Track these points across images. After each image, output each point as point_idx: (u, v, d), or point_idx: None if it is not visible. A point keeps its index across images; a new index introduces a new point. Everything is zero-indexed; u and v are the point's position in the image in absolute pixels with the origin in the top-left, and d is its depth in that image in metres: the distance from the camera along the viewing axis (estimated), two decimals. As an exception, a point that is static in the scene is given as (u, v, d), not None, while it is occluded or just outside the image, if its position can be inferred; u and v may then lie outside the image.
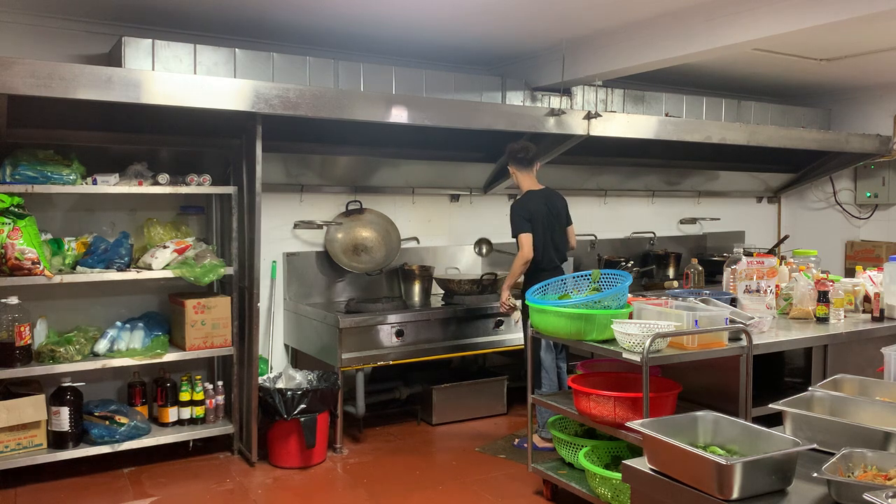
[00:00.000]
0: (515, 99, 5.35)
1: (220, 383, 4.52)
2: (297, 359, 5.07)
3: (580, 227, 5.88)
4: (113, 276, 4.04)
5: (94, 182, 4.01)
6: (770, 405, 2.23)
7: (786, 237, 6.92)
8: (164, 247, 4.21)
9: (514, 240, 4.42)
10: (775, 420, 2.21)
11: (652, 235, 6.61)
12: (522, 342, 4.65)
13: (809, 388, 2.36)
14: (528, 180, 4.52)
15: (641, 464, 2.02)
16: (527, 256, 4.33)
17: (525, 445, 4.27)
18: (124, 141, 4.36)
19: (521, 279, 4.51)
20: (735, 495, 1.76)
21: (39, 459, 3.87)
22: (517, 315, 4.55)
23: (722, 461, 1.76)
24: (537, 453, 3.97)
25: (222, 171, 4.52)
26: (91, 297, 4.40)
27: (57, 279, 3.87)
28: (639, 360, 3.04)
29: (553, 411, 3.80)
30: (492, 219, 5.82)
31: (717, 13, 4.16)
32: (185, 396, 4.40)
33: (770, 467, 1.81)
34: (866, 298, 4.07)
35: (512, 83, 5.36)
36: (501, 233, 5.73)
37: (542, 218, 4.41)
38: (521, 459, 4.13)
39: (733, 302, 3.89)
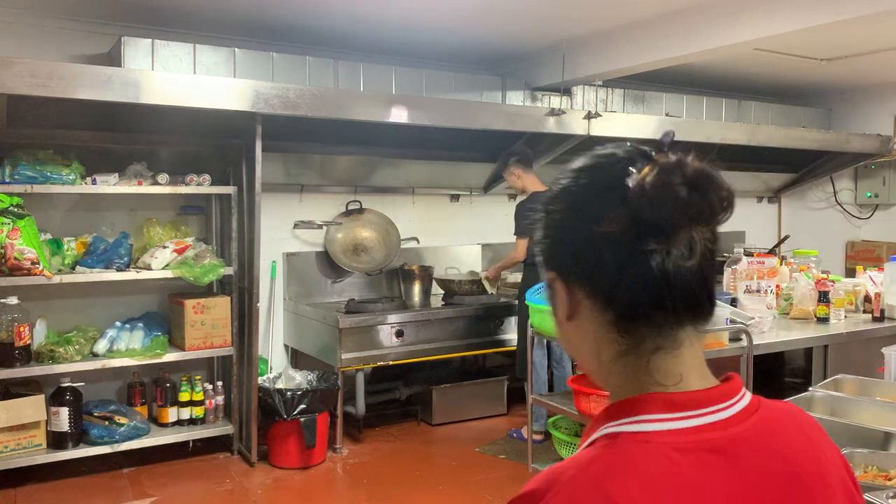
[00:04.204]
0: (515, 99, 5.35)
1: (219, 383, 4.51)
2: (297, 359, 5.07)
3: (580, 227, 5.88)
4: (112, 276, 4.03)
5: (94, 182, 4.01)
6: (770, 405, 2.22)
7: (786, 237, 6.91)
8: (164, 247, 4.21)
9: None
10: (775, 420, 2.20)
11: (652, 235, 6.59)
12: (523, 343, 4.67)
13: (810, 388, 2.36)
14: (533, 181, 4.67)
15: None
16: (519, 259, 4.62)
17: (514, 436, 4.71)
18: (124, 141, 4.35)
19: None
20: (735, 495, 1.75)
21: (39, 459, 3.87)
22: (490, 287, 4.99)
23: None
24: (537, 453, 3.97)
25: (222, 171, 4.52)
26: (91, 297, 4.39)
27: (56, 279, 3.87)
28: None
29: (552, 411, 3.80)
30: (492, 219, 5.81)
31: (717, 13, 4.16)
32: (184, 397, 4.39)
33: (770, 467, 1.80)
34: (867, 298, 4.07)
35: (512, 83, 5.35)
36: (502, 233, 5.73)
37: None
38: (521, 459, 4.13)
39: (734, 302, 3.88)
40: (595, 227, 0.81)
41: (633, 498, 0.73)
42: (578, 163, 0.87)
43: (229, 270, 4.35)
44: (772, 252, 5.96)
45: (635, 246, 0.79)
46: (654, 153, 0.84)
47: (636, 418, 0.80)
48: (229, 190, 4.35)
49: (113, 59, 4.16)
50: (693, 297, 0.81)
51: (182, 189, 4.22)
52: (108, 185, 4.04)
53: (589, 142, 4.99)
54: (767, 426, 0.84)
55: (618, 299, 0.82)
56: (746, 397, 0.85)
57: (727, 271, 4.16)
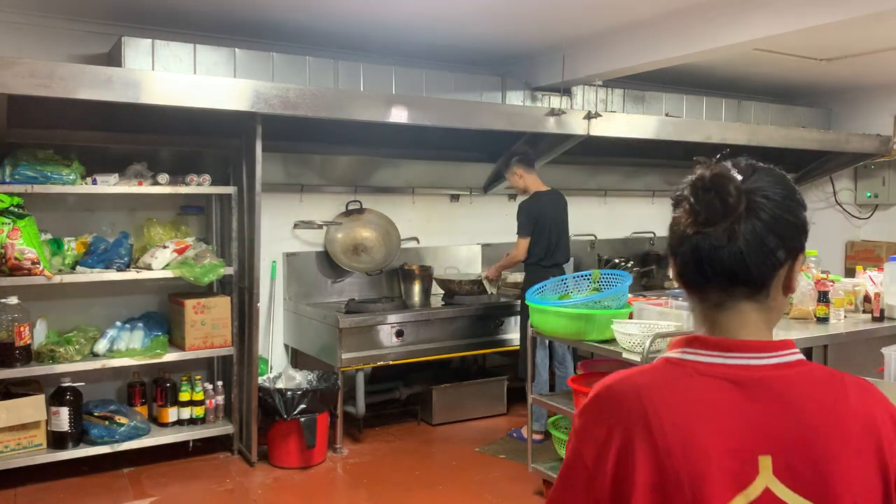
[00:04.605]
0: (515, 99, 5.35)
1: (219, 383, 4.51)
2: (297, 359, 5.07)
3: (580, 227, 5.90)
4: (113, 276, 4.04)
5: (94, 182, 4.01)
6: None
7: (786, 237, 6.90)
8: (164, 247, 4.21)
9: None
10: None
11: (652, 235, 6.60)
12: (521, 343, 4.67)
13: (809, 388, 2.36)
14: (535, 181, 4.71)
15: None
16: (520, 259, 4.65)
17: (514, 435, 4.71)
18: (124, 141, 4.36)
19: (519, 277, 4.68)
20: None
21: (39, 459, 3.87)
22: (490, 287, 5.02)
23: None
24: (537, 453, 3.97)
25: (222, 171, 4.52)
26: (91, 297, 4.40)
27: (57, 279, 3.87)
28: (639, 360, 3.03)
29: (552, 411, 3.80)
30: (492, 219, 5.81)
31: (717, 13, 4.16)
32: (184, 396, 4.39)
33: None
34: (866, 298, 4.06)
35: (512, 83, 5.36)
36: (502, 233, 5.73)
37: (550, 219, 4.62)
38: (521, 459, 4.13)
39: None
40: (674, 213, 1.09)
41: (654, 401, 1.01)
42: None
43: (229, 270, 4.35)
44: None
45: (683, 231, 1.06)
46: (713, 163, 1.08)
47: (683, 349, 1.07)
48: (229, 190, 4.35)
49: (113, 59, 4.16)
50: (733, 274, 1.04)
51: (182, 189, 4.22)
52: (109, 185, 4.04)
53: (589, 142, 5.00)
54: (796, 379, 1.03)
55: (678, 269, 1.10)
56: (791, 357, 1.05)
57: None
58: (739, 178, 1.04)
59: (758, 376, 1.02)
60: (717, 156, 1.10)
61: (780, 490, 0.97)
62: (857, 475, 0.98)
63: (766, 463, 0.98)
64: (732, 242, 1.02)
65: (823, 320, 3.79)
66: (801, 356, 1.06)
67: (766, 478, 0.97)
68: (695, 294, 1.10)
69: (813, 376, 1.04)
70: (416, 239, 5.48)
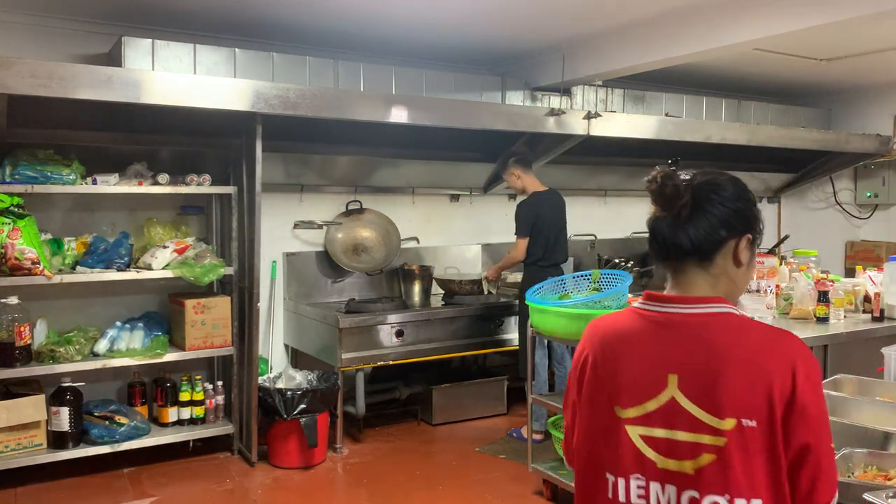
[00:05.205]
0: (515, 99, 5.35)
1: (220, 383, 4.51)
2: (297, 359, 5.07)
3: (580, 227, 5.91)
4: (113, 276, 4.04)
5: (94, 182, 4.01)
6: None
7: (786, 237, 6.89)
8: (164, 247, 4.21)
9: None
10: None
11: (652, 235, 6.59)
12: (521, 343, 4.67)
13: (809, 388, 2.36)
14: (533, 181, 4.71)
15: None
16: (519, 259, 4.66)
17: (514, 435, 4.71)
18: (124, 141, 4.36)
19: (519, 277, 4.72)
20: (735, 495, 1.76)
21: (39, 459, 3.87)
22: (490, 287, 5.06)
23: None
24: (537, 453, 3.97)
25: (222, 171, 4.52)
26: (91, 297, 4.40)
27: (57, 279, 3.87)
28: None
29: (552, 411, 3.80)
30: (492, 219, 5.82)
31: (717, 13, 4.16)
32: (184, 396, 4.39)
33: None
34: (866, 298, 4.06)
35: (512, 83, 5.36)
36: (502, 233, 5.74)
37: (548, 219, 4.62)
38: (521, 459, 4.13)
39: (733, 302, 3.87)
40: None
41: (606, 333, 1.45)
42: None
43: (229, 270, 4.35)
44: (771, 252, 5.95)
45: (650, 216, 1.43)
46: (666, 166, 1.43)
47: (641, 301, 1.44)
48: (229, 190, 4.35)
49: (113, 59, 4.16)
50: (682, 248, 1.37)
51: (182, 189, 4.22)
52: (109, 185, 4.04)
53: (589, 142, 5.00)
54: (712, 323, 1.34)
55: (648, 244, 1.45)
56: (716, 309, 1.35)
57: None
58: (686, 177, 1.37)
59: (680, 320, 1.36)
60: (669, 161, 1.47)
61: (682, 400, 1.30)
62: (743, 397, 1.26)
63: (673, 379, 1.32)
64: (679, 223, 1.37)
65: (823, 320, 3.79)
66: (728, 310, 1.35)
67: (672, 390, 1.32)
68: (659, 261, 1.44)
69: (728, 322, 1.34)
70: (416, 239, 5.48)
